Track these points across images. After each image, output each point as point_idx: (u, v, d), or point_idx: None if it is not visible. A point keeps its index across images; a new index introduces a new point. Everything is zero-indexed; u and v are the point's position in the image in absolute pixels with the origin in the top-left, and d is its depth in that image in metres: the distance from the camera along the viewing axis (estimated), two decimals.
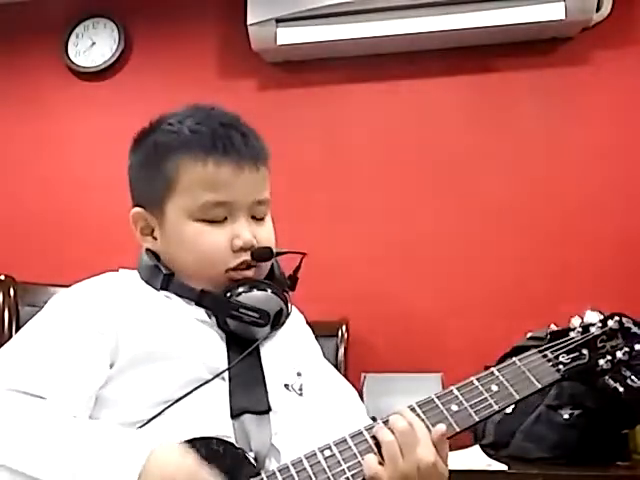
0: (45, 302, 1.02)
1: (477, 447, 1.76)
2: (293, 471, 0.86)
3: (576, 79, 2.33)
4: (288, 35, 2.35)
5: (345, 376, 2.01)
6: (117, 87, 2.64)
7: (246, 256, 1.03)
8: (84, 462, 0.80)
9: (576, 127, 2.31)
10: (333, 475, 0.86)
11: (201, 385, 0.95)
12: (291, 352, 1.10)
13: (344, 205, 2.42)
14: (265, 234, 1.07)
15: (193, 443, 0.86)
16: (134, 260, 1.14)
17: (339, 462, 0.87)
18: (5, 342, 0.97)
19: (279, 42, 2.36)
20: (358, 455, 0.87)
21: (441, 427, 0.89)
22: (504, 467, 1.64)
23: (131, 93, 2.62)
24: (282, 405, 1.00)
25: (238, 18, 2.39)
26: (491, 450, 1.74)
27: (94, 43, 2.67)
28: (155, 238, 1.08)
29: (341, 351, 2.07)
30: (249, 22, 2.35)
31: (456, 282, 2.30)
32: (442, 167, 2.38)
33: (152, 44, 2.64)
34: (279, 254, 1.07)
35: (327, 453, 0.87)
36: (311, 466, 0.86)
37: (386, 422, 0.90)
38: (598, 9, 2.24)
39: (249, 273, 1.05)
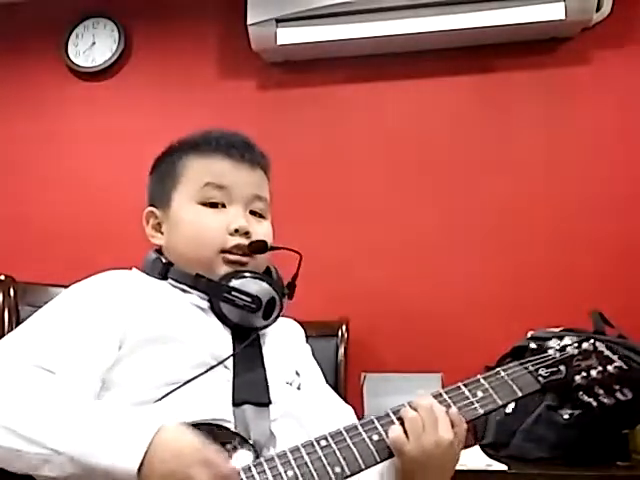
0: (45, 302, 1.05)
1: (477, 447, 1.76)
2: (291, 457, 0.88)
3: (576, 79, 2.33)
4: (288, 35, 2.35)
5: (345, 376, 2.02)
6: (117, 87, 2.64)
7: (241, 240, 1.10)
8: (94, 435, 0.82)
9: (576, 127, 2.31)
10: (329, 463, 0.88)
11: (206, 371, 0.99)
12: (291, 356, 1.16)
13: (344, 205, 2.42)
14: (262, 230, 1.15)
15: (195, 426, 0.88)
16: (134, 259, 1.16)
17: (334, 452, 0.90)
18: None
19: (279, 42, 2.36)
20: (352, 446, 0.91)
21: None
22: (504, 467, 1.64)
23: (131, 93, 2.61)
24: (281, 396, 1.05)
25: (238, 18, 2.39)
26: (491, 450, 1.74)
27: (94, 43, 2.67)
28: (163, 233, 1.16)
29: (341, 351, 2.06)
30: (249, 22, 2.35)
31: (456, 282, 2.30)
32: (442, 167, 2.38)
33: (152, 44, 2.64)
34: (273, 248, 1.12)
35: (323, 443, 0.90)
36: (308, 454, 0.89)
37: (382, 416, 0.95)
38: (598, 9, 2.24)
39: (244, 259, 1.10)
